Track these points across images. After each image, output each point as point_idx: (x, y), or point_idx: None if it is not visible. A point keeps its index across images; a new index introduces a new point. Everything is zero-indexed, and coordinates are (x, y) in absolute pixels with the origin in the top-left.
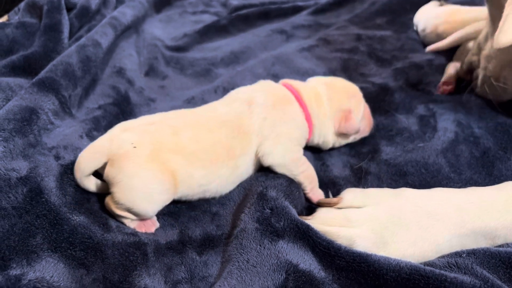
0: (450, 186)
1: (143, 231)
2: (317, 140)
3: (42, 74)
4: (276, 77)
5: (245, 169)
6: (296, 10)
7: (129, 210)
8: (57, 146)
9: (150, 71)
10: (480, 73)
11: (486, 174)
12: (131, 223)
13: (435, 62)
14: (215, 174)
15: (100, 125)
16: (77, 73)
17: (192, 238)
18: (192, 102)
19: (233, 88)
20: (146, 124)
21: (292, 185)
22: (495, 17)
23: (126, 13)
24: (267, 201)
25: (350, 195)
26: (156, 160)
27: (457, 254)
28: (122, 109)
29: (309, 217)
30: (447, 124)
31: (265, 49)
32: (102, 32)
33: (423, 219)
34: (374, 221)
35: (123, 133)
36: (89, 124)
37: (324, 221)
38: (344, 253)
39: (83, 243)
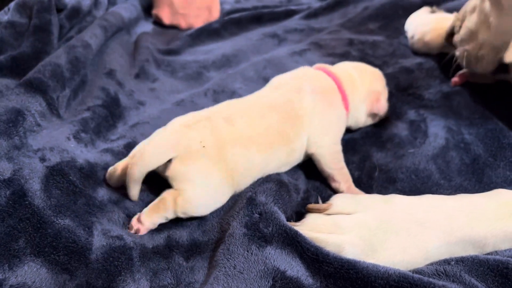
0: (440, 193)
1: (142, 233)
2: (349, 122)
3: (29, 75)
4: (267, 81)
5: (300, 154)
6: (289, 14)
7: (190, 211)
8: (43, 148)
9: (141, 74)
10: (459, 44)
11: (476, 181)
12: (149, 224)
13: (425, 65)
14: (273, 157)
15: (88, 127)
16: (65, 74)
17: (179, 243)
18: (181, 104)
19: (223, 91)
20: (203, 121)
21: (282, 190)
22: None
23: (117, 15)
24: (256, 206)
25: (340, 201)
26: (221, 159)
27: (446, 261)
28: (111, 111)
29: (298, 223)
30: (437, 130)
31: (257, 52)
32: (92, 33)
33: (412, 226)
34: (363, 228)
35: (188, 131)
36: (77, 126)
37: (313, 227)
38: (333, 259)
39: (67, 248)
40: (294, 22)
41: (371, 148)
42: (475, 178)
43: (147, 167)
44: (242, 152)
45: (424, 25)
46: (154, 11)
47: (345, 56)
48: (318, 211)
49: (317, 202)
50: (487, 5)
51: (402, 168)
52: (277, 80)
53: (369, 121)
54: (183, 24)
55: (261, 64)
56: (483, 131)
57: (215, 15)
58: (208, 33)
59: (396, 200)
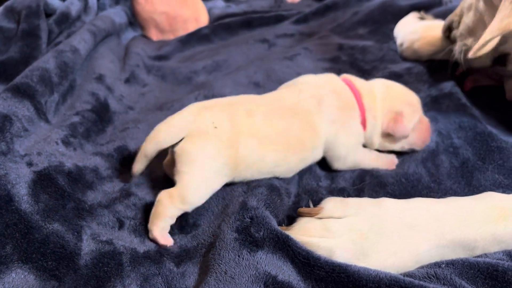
0: (430, 196)
1: (162, 243)
2: (365, 141)
3: (17, 79)
4: (258, 86)
5: (310, 162)
6: (279, 19)
7: (188, 196)
8: (30, 153)
9: (131, 78)
10: (458, 38)
11: (465, 184)
12: (161, 230)
13: (414, 70)
14: (285, 160)
15: (77, 132)
16: (54, 79)
17: (170, 249)
18: (171, 109)
19: (213, 96)
20: (223, 105)
21: (273, 194)
22: None
23: (106, 20)
24: (247, 211)
25: (330, 205)
26: (232, 146)
27: (436, 264)
28: (101, 116)
29: (289, 227)
30: None
31: (247, 57)
32: (81, 38)
33: (403, 230)
34: (354, 231)
35: (203, 111)
36: (66, 131)
37: (304, 231)
38: (324, 263)
39: (55, 253)
40: (284, 27)
41: None
42: (465, 181)
43: (160, 144)
44: (256, 145)
45: (412, 33)
46: (143, 33)
47: (335, 61)
48: (309, 215)
49: (308, 206)
50: (481, 4)
51: (392, 172)
52: (300, 84)
53: (388, 145)
54: (172, 38)
55: (251, 69)
56: (471, 135)
57: (204, 23)
58: (198, 38)
59: (387, 204)
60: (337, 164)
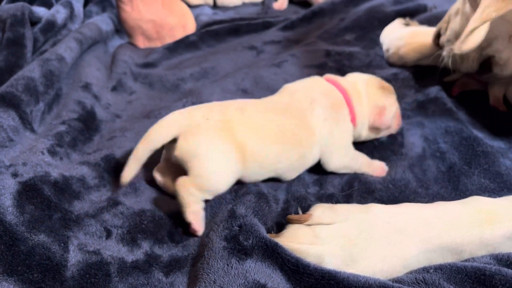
0: (418, 201)
1: (197, 229)
2: (354, 136)
3: (1, 89)
4: (245, 93)
5: (310, 161)
6: (266, 26)
7: (205, 186)
8: (15, 164)
9: (118, 86)
10: (446, 44)
11: (452, 189)
12: (192, 215)
13: (400, 76)
14: (285, 155)
15: (63, 141)
16: (39, 88)
17: (159, 258)
18: (158, 117)
19: (201, 103)
20: (213, 104)
21: (261, 201)
22: None
23: (93, 27)
24: (235, 219)
25: (319, 211)
26: (228, 130)
27: (425, 269)
28: (87, 124)
29: (278, 234)
30: (414, 140)
31: (235, 64)
32: (67, 47)
33: (391, 235)
34: (343, 237)
35: (193, 111)
36: (52, 140)
37: (294, 238)
38: (313, 270)
39: (41, 265)
40: (271, 34)
41: None
42: (451, 186)
43: (153, 143)
44: (253, 137)
45: (398, 39)
46: (130, 41)
47: (322, 68)
48: (298, 221)
49: (297, 213)
50: (467, 6)
51: (380, 178)
52: (289, 89)
53: (372, 135)
54: (160, 45)
55: (239, 76)
56: (457, 139)
57: (191, 30)
58: (186, 45)
59: (375, 209)
60: (332, 165)
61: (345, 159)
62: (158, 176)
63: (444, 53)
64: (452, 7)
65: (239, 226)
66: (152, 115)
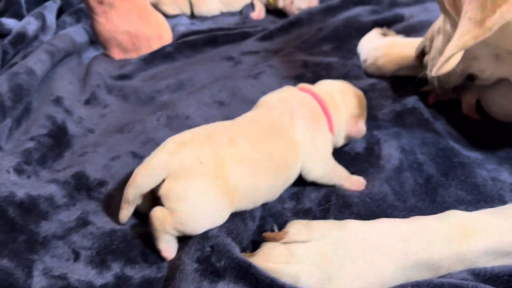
0: (395, 215)
1: (168, 256)
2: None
3: None
4: (222, 105)
5: (294, 177)
6: (244, 36)
7: (186, 230)
8: None
9: (91, 99)
10: (430, 62)
11: (430, 201)
12: (164, 244)
13: (377, 86)
14: (275, 183)
15: (31, 158)
16: (6, 103)
17: (130, 281)
18: (132, 131)
19: (177, 116)
20: (202, 137)
21: (236, 219)
22: (444, 14)
23: (66, 39)
24: (207, 239)
25: (295, 229)
26: (220, 177)
27: (402, 287)
28: (58, 140)
29: (253, 254)
30: (391, 151)
31: (212, 76)
32: (37, 59)
33: (368, 252)
34: (319, 256)
35: (183, 148)
36: (19, 158)
37: (269, 257)
38: None
39: None
40: (249, 44)
41: None
42: (429, 198)
43: (141, 188)
44: (245, 174)
45: (376, 50)
46: (105, 52)
47: (299, 79)
48: (274, 240)
49: (273, 230)
50: (448, 26)
51: (357, 191)
52: (266, 103)
53: (345, 142)
54: (136, 57)
55: (216, 88)
56: (434, 151)
57: (167, 40)
58: (162, 56)
59: (351, 226)
60: (314, 174)
61: (326, 169)
62: (141, 205)
63: (428, 71)
64: (434, 25)
65: (211, 247)
66: (126, 129)
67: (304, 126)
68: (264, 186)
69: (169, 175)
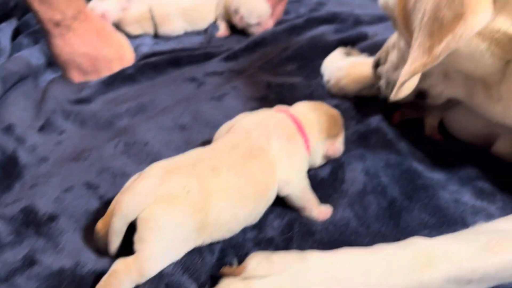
0: (358, 241)
1: None
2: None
3: None
4: (183, 129)
5: (272, 201)
6: (208, 56)
7: (147, 268)
8: None
9: (46, 126)
10: (384, 74)
11: (393, 226)
12: None
13: (341, 107)
14: (255, 211)
15: None
16: None
17: None
18: (88, 159)
19: (135, 143)
20: (187, 167)
21: (193, 253)
22: (401, 33)
23: (20, 62)
24: (162, 278)
25: (255, 262)
26: (202, 209)
27: None
28: (7, 171)
29: None
30: (355, 175)
31: (174, 98)
32: None
33: (329, 285)
34: None
35: (170, 175)
36: None
37: None
38: None
39: None
40: (214, 64)
41: None
42: (392, 223)
43: (128, 217)
44: (227, 205)
45: (338, 70)
46: (63, 75)
47: (263, 100)
48: (233, 275)
49: (232, 264)
50: (402, 43)
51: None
52: (243, 127)
53: (323, 162)
54: (96, 79)
55: (178, 111)
56: (397, 173)
57: (129, 62)
58: (123, 78)
59: (312, 258)
60: (290, 187)
61: (300, 186)
62: (99, 232)
63: (381, 83)
64: (390, 39)
65: (166, 285)
66: (82, 157)
67: (280, 145)
68: (244, 214)
69: (154, 200)
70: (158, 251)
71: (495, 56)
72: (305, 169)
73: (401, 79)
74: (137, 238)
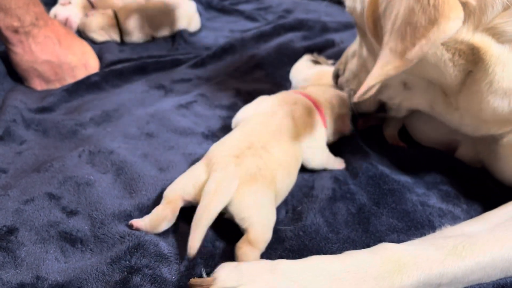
0: (328, 247)
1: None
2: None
3: None
4: (151, 136)
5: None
6: (176, 63)
7: (264, 235)
8: None
9: (5, 136)
10: (345, 84)
11: (363, 231)
12: None
13: None
14: (294, 178)
15: None
16: None
17: None
18: (50, 170)
19: (100, 152)
20: (246, 148)
21: (161, 264)
22: (362, 40)
23: None
24: None
25: (224, 273)
26: (274, 182)
27: None
28: None
29: None
30: (324, 182)
31: (141, 105)
32: None
33: None
34: None
35: (244, 158)
36: None
37: None
38: None
39: None
40: (181, 72)
41: None
42: (362, 228)
43: (225, 200)
44: (283, 175)
45: (305, 81)
46: (25, 84)
47: (232, 108)
48: (201, 286)
49: (201, 275)
50: (364, 51)
51: (291, 225)
52: (268, 107)
53: (335, 138)
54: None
55: (144, 119)
56: (365, 179)
57: (94, 69)
58: (87, 86)
59: (282, 267)
60: (314, 162)
61: (324, 158)
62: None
63: (346, 91)
64: (349, 49)
65: None
66: (43, 169)
67: (303, 123)
68: (291, 184)
69: (241, 183)
70: (262, 220)
71: (458, 66)
72: (325, 141)
73: (369, 82)
74: (239, 220)
